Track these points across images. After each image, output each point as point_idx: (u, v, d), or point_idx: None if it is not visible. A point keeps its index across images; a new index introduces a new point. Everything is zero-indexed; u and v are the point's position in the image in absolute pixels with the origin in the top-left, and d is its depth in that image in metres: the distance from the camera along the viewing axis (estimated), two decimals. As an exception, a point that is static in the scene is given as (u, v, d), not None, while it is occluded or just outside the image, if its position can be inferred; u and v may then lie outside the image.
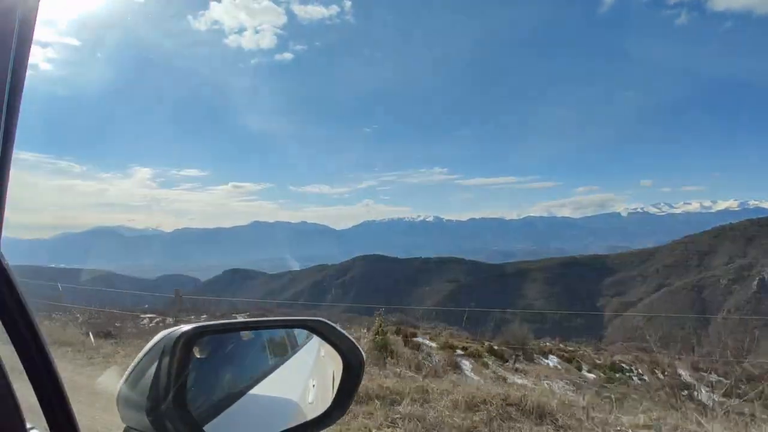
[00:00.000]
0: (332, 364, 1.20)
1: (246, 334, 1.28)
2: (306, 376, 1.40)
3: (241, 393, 1.13)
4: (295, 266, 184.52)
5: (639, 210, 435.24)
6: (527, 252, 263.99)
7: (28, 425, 0.76)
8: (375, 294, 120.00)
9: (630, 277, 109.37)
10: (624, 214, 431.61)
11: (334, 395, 1.14)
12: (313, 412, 1.15)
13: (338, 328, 1.19)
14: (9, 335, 0.74)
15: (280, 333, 1.44)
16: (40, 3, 0.62)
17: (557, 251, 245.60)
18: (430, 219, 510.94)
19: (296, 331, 1.45)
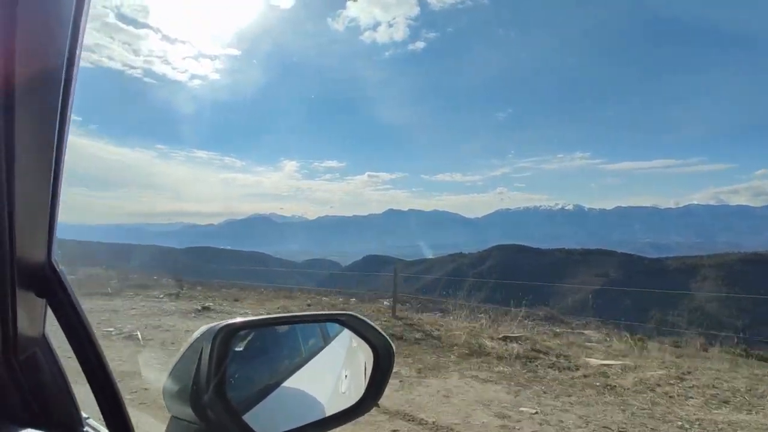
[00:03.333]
0: (364, 355, 1.23)
1: (281, 328, 1.31)
2: (339, 367, 1.44)
3: (277, 384, 1.16)
4: (429, 254, 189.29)
5: None
6: (688, 246, 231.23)
7: (83, 415, 0.83)
8: (514, 286, 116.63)
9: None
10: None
11: (366, 385, 1.17)
12: (347, 401, 1.18)
13: (368, 321, 1.21)
14: (66, 335, 0.78)
15: (313, 326, 1.47)
16: (89, 7, 0.63)
17: (727, 245, 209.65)
18: (570, 207, 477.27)
19: (328, 324, 1.50)
